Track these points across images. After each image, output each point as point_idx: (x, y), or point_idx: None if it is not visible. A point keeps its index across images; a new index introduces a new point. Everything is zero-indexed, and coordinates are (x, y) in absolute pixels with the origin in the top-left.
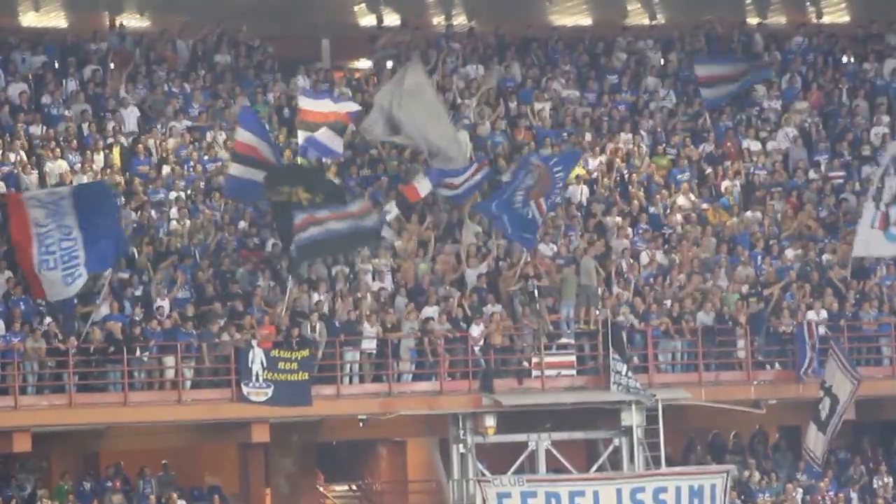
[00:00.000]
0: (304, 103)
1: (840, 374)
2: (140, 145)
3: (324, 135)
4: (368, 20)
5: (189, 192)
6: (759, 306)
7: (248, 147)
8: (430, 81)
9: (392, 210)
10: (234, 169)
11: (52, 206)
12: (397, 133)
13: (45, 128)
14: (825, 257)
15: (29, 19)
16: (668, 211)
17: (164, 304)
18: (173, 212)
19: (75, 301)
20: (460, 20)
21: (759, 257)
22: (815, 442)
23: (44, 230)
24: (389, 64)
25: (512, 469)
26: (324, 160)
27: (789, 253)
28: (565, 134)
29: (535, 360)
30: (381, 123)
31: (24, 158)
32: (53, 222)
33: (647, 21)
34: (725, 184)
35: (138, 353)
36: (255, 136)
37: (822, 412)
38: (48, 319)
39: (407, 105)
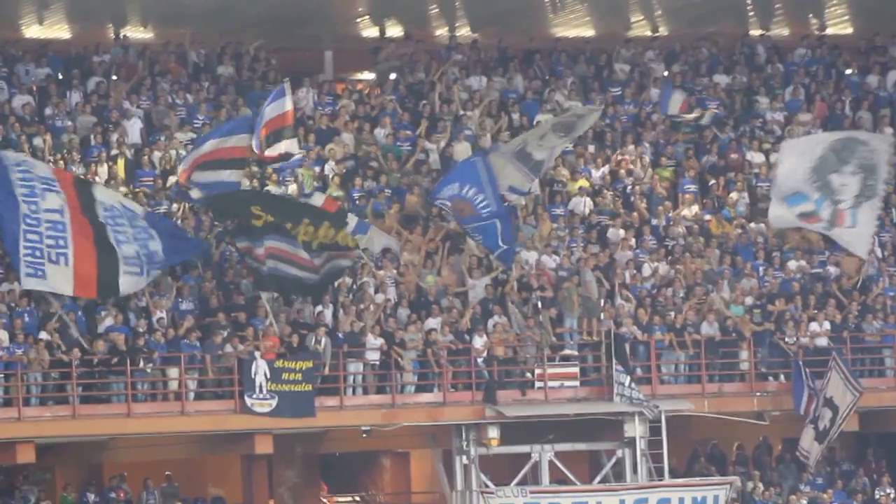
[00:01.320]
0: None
1: (842, 386)
2: (145, 157)
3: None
4: (371, 32)
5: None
6: (765, 326)
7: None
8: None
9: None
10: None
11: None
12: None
13: (49, 139)
14: (828, 268)
15: (33, 31)
16: (671, 222)
17: (164, 315)
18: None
19: (79, 312)
20: (463, 32)
21: (762, 269)
22: (811, 447)
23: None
24: (392, 76)
25: (515, 480)
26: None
27: (792, 264)
28: (568, 145)
29: (538, 371)
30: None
31: None
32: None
33: (649, 33)
34: (731, 195)
35: (142, 364)
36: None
37: (821, 423)
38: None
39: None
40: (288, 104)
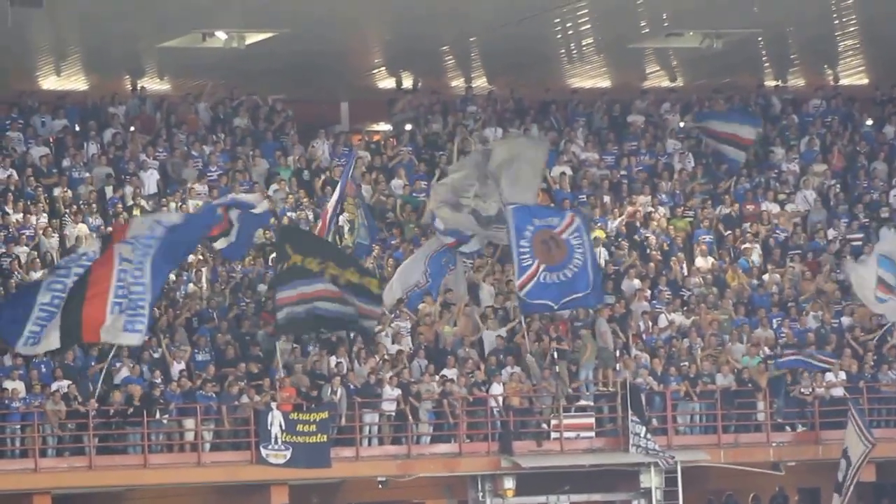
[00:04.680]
0: None
1: (855, 437)
2: (164, 208)
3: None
4: (387, 84)
5: (208, 254)
6: (779, 372)
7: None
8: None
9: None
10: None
11: (143, 241)
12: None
13: (66, 191)
14: (843, 319)
15: (50, 83)
16: (687, 273)
17: (181, 367)
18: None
19: (93, 363)
20: (479, 83)
21: (776, 320)
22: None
23: (125, 266)
24: (408, 127)
25: None
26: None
27: (808, 315)
28: (583, 196)
29: (554, 421)
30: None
31: (46, 222)
32: (136, 259)
33: (665, 84)
34: (745, 245)
35: (158, 415)
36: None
37: (839, 474)
38: (67, 382)
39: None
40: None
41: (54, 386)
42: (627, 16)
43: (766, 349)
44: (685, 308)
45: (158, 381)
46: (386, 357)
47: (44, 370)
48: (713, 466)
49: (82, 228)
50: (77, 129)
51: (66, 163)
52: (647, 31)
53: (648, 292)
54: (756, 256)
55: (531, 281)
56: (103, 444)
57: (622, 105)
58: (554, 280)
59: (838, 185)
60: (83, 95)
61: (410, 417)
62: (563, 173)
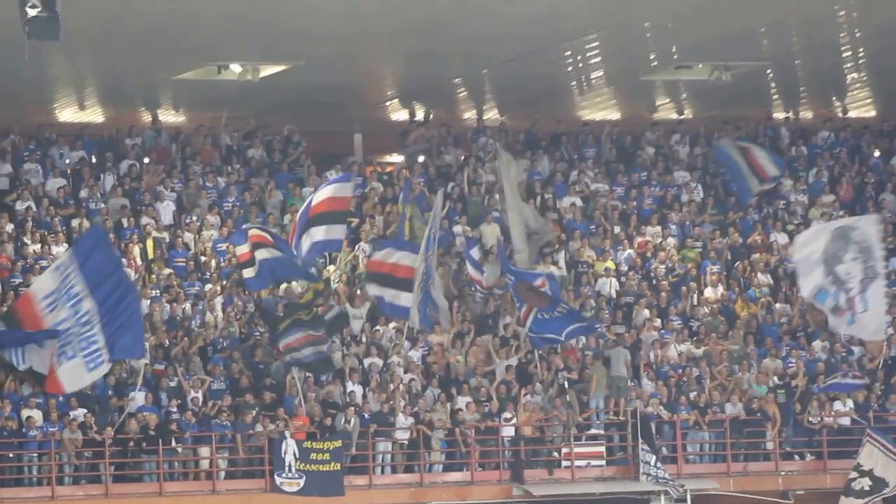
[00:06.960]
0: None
1: (883, 458)
2: (179, 238)
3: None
4: (400, 115)
5: (224, 284)
6: (790, 404)
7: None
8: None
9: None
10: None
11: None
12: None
13: (82, 222)
14: (853, 349)
15: (67, 115)
16: (696, 303)
17: (198, 395)
18: (206, 304)
19: (110, 392)
20: (491, 115)
21: (786, 349)
22: None
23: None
24: (421, 158)
25: None
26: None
27: (816, 345)
28: (594, 227)
29: (565, 450)
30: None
31: (63, 252)
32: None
33: (675, 116)
34: (755, 276)
35: (173, 443)
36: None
37: (857, 486)
38: (83, 410)
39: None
40: (349, 191)
41: (71, 415)
42: (637, 49)
43: (775, 378)
44: (694, 338)
45: (174, 409)
46: (401, 387)
47: (61, 399)
48: (722, 495)
49: None
50: (94, 160)
51: (83, 194)
52: (656, 63)
53: (658, 321)
54: (765, 287)
55: (528, 317)
56: (119, 472)
57: (632, 136)
58: (552, 316)
59: (847, 217)
60: (100, 127)
61: (423, 446)
62: (573, 204)
